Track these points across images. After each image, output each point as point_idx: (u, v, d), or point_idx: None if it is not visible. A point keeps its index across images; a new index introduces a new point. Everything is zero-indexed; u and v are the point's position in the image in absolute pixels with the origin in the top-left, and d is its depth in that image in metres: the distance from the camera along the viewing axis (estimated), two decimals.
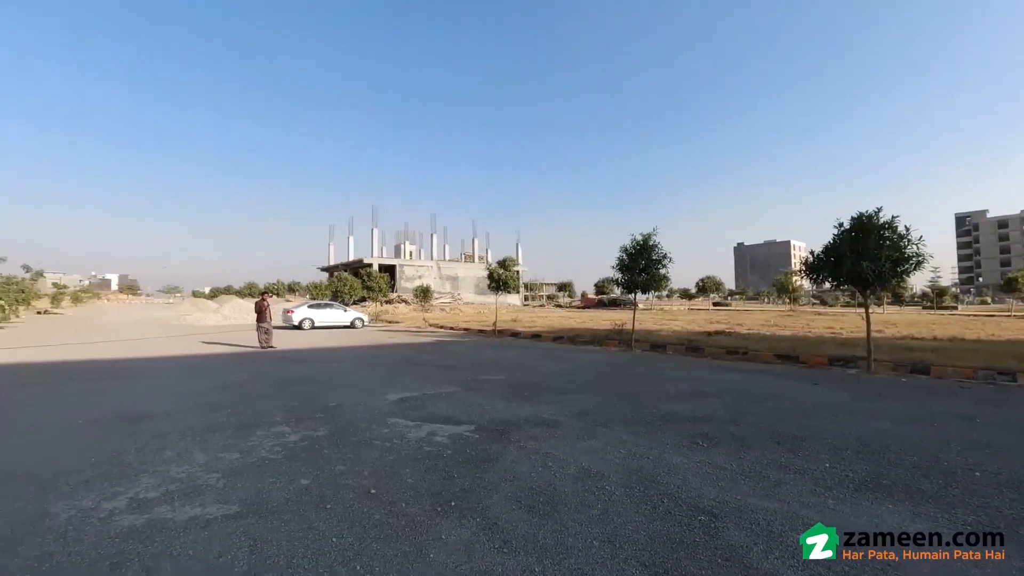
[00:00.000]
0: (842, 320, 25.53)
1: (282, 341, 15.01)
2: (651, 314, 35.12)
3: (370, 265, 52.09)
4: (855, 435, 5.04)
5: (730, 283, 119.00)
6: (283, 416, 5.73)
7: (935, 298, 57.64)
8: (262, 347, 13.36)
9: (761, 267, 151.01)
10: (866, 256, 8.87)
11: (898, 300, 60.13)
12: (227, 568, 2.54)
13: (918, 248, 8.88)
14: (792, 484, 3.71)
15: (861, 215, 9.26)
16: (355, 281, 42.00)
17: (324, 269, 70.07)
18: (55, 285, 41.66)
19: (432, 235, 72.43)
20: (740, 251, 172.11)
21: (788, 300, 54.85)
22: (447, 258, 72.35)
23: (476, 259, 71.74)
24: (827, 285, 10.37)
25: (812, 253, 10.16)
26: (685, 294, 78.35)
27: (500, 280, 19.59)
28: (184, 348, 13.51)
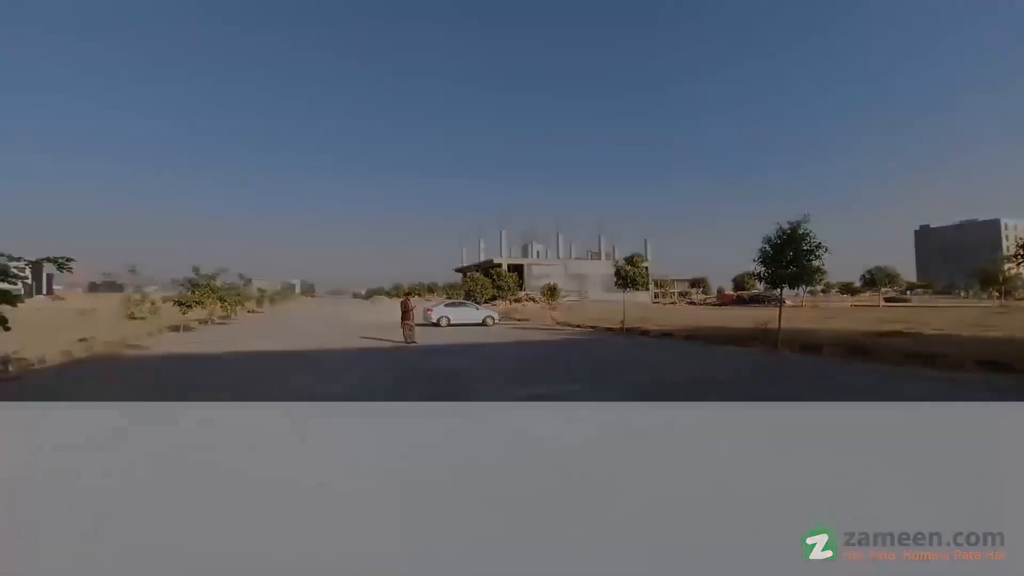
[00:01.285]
0: None
1: (423, 337, 16.55)
2: (802, 312, 30.93)
3: (499, 265, 54.75)
4: None
5: (909, 275, 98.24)
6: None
7: None
8: (407, 342, 14.93)
9: (954, 254, 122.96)
10: None
11: None
12: None
13: None
14: None
15: None
16: (486, 281, 44.47)
17: (458, 270, 75.59)
18: (259, 289, 51.71)
19: (558, 234, 73.52)
20: (924, 235, 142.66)
21: (997, 294, 43.78)
22: (573, 256, 72.61)
23: (603, 257, 70.81)
24: None
25: None
26: (847, 288, 65.79)
27: (628, 277, 19.13)
28: (347, 342, 15.73)
